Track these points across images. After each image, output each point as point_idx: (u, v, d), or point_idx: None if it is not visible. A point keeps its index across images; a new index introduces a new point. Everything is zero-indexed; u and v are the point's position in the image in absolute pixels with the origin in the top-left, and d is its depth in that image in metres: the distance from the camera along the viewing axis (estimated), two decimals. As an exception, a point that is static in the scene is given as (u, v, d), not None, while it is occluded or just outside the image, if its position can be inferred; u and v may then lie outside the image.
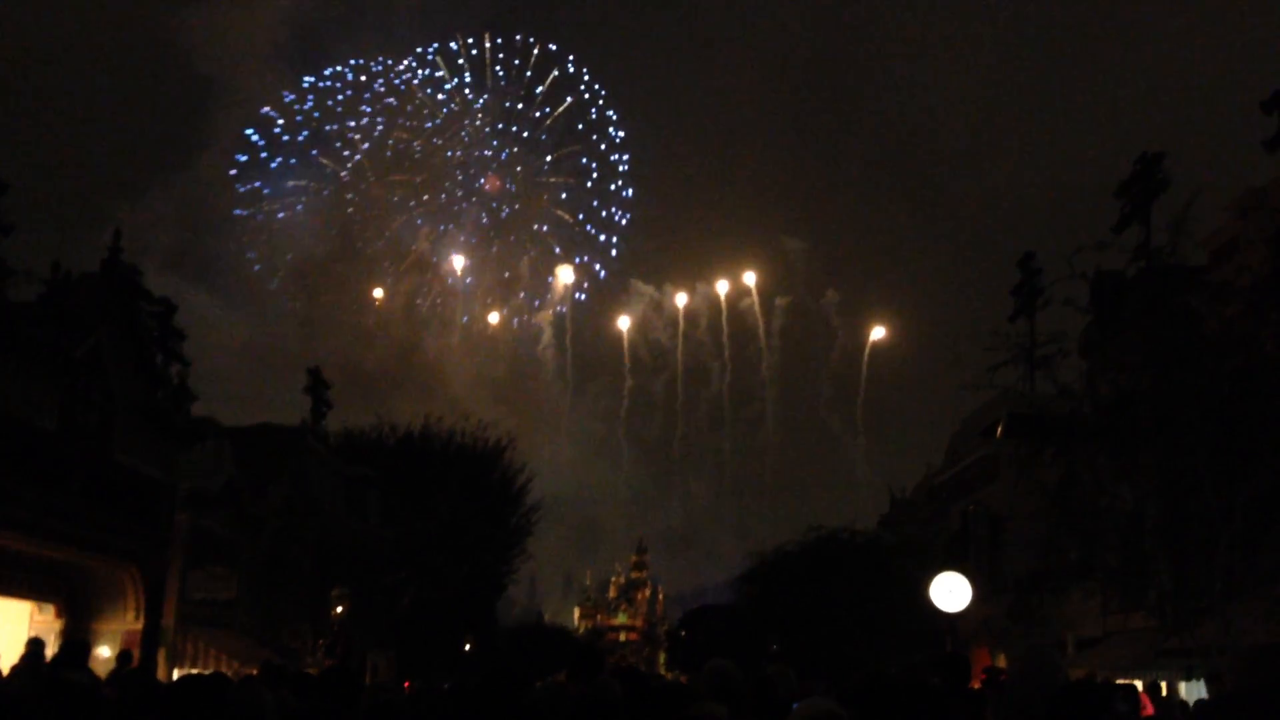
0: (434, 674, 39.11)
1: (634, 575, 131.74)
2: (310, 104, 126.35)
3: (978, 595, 21.62)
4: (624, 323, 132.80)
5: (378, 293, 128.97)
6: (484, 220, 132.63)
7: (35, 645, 15.40)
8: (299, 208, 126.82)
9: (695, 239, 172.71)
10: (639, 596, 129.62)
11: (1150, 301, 17.45)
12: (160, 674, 22.91)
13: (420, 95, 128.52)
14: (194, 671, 22.90)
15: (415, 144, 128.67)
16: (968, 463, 37.19)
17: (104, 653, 21.43)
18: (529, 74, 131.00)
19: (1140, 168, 22.26)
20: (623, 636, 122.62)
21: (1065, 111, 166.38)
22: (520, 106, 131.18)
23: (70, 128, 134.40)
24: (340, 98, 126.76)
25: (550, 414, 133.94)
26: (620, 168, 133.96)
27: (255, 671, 21.09)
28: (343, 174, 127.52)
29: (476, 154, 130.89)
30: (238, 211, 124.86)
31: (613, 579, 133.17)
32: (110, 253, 22.15)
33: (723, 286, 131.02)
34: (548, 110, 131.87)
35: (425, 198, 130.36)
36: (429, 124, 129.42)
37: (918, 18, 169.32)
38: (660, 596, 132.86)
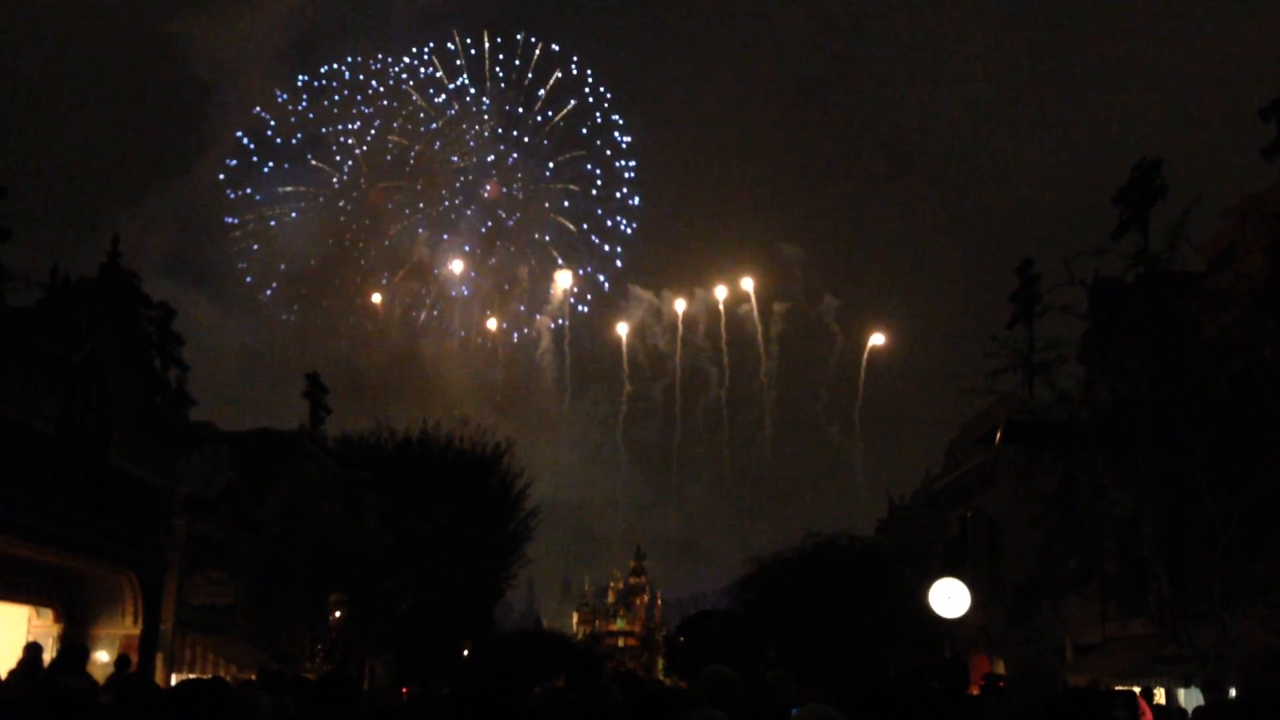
0: (432, 679, 39.08)
1: (632, 581, 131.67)
2: (305, 104, 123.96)
3: (976, 601, 21.63)
4: (623, 328, 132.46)
5: (376, 298, 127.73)
6: (484, 231, 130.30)
7: (33, 650, 15.39)
8: (294, 215, 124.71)
9: (694, 245, 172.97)
10: (637, 602, 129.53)
11: (1148, 308, 17.46)
12: (158, 679, 22.89)
13: (417, 97, 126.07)
14: (192, 676, 22.93)
15: (415, 148, 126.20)
16: (966, 469, 37.17)
17: (102, 657, 21.40)
18: (530, 76, 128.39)
19: (1138, 174, 22.30)
20: (621, 642, 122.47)
21: (1064, 118, 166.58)
22: (521, 111, 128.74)
23: (69, 134, 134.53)
24: (337, 98, 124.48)
25: (549, 419, 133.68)
26: (626, 174, 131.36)
27: (253, 676, 21.09)
28: (335, 181, 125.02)
29: (475, 160, 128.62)
30: (228, 219, 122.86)
31: (611, 584, 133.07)
32: (109, 257, 22.13)
33: (721, 292, 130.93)
34: (550, 114, 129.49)
35: (422, 205, 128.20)
36: (424, 128, 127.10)
37: (916, 26, 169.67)
38: (659, 602, 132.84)
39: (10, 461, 18.47)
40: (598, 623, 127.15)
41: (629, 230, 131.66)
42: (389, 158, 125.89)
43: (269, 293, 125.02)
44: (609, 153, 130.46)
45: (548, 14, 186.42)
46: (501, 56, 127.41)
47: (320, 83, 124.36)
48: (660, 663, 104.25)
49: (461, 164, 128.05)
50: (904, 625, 33.22)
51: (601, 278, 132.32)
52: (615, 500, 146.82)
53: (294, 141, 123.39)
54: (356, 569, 32.20)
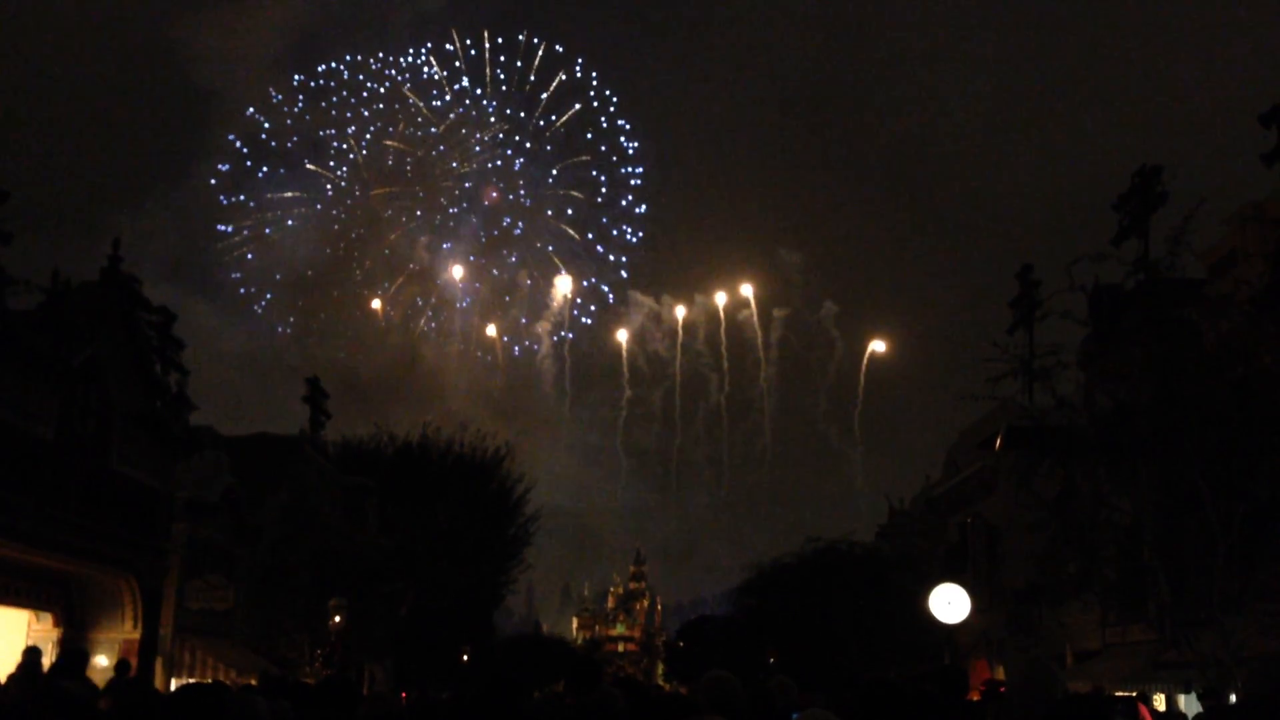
0: (432, 684, 39.07)
1: (632, 586, 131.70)
2: (301, 106, 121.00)
3: (976, 607, 21.61)
4: (622, 334, 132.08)
5: (375, 304, 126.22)
6: (483, 240, 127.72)
7: (31, 654, 15.38)
8: (290, 222, 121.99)
9: (694, 250, 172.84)
10: (637, 607, 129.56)
11: (1149, 314, 17.47)
12: (157, 683, 22.88)
13: (413, 100, 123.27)
14: (191, 681, 22.91)
15: (417, 153, 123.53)
16: (966, 474, 37.17)
17: (101, 662, 21.38)
18: (533, 79, 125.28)
19: (1139, 181, 22.30)
20: (621, 647, 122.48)
21: (1064, 125, 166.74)
22: (523, 114, 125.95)
23: (70, 138, 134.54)
24: (335, 99, 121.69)
25: (548, 424, 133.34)
26: (632, 182, 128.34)
27: (253, 681, 21.09)
28: (329, 188, 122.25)
29: (475, 166, 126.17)
30: (221, 227, 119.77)
31: (611, 589, 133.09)
32: (109, 262, 22.14)
33: (720, 298, 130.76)
34: (553, 118, 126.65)
35: (419, 214, 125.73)
36: (420, 132, 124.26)
37: (918, 32, 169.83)
38: (658, 607, 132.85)
39: (10, 466, 18.47)
40: (597, 628, 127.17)
41: (634, 239, 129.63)
42: (389, 161, 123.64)
43: (263, 304, 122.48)
44: (615, 158, 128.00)
45: (548, 15, 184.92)
46: (503, 58, 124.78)
47: (317, 82, 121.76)
48: (660, 668, 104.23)
49: (462, 169, 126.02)
50: (904, 631, 33.20)
51: (605, 288, 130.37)
52: (615, 505, 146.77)
53: (289, 145, 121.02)
54: (356, 574, 32.19)
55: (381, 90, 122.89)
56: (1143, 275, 18.37)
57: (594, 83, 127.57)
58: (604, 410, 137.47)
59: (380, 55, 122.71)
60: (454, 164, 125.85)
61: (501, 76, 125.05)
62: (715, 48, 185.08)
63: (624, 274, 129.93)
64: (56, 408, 19.93)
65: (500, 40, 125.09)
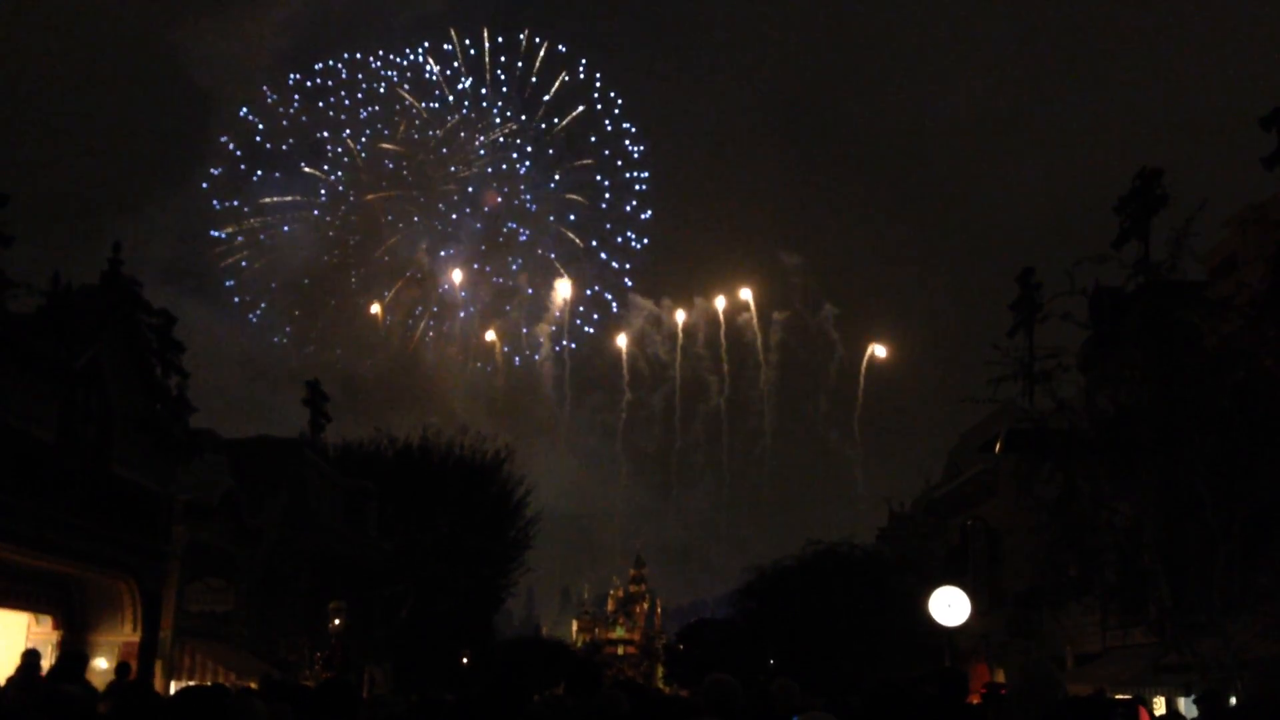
0: (432, 687, 39.03)
1: (632, 589, 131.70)
2: (296, 107, 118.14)
3: (976, 610, 21.60)
4: (622, 338, 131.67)
5: (374, 309, 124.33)
6: (483, 249, 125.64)
7: (30, 657, 15.36)
8: (286, 229, 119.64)
9: (694, 253, 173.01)
10: (637, 610, 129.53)
11: (1149, 317, 17.45)
12: (157, 686, 22.85)
13: (410, 101, 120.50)
14: (191, 684, 22.90)
15: (417, 156, 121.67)
16: (967, 477, 37.19)
17: (101, 664, 21.37)
18: (534, 80, 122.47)
19: (1139, 183, 22.28)
20: (620, 650, 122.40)
21: (1065, 127, 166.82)
22: (524, 117, 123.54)
23: (71, 141, 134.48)
24: (332, 99, 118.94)
25: (548, 427, 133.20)
26: (637, 187, 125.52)
27: (253, 684, 21.07)
28: (323, 193, 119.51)
29: (475, 170, 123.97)
30: (214, 233, 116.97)
31: (611, 592, 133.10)
32: (110, 265, 22.13)
33: (720, 301, 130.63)
34: (556, 121, 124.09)
35: (416, 220, 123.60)
36: (417, 135, 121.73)
37: (918, 35, 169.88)
38: (658, 610, 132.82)
39: (10, 468, 18.45)
40: (597, 631, 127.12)
41: (638, 246, 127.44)
42: (389, 165, 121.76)
43: (258, 313, 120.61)
44: (620, 163, 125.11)
45: (548, 15, 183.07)
46: (503, 58, 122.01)
47: (314, 80, 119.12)
48: (660, 671, 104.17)
49: (462, 173, 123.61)
50: (904, 633, 33.23)
51: (609, 296, 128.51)
52: (615, 508, 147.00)
53: (284, 148, 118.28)
54: (356, 577, 32.22)
55: (381, 90, 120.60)
56: (1143, 278, 18.35)
57: (597, 84, 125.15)
58: (604, 413, 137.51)
59: (380, 52, 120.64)
60: (453, 168, 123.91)
61: (502, 77, 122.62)
62: (714, 51, 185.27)
63: (628, 282, 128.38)
64: (57, 410, 19.92)
65: (501, 40, 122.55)
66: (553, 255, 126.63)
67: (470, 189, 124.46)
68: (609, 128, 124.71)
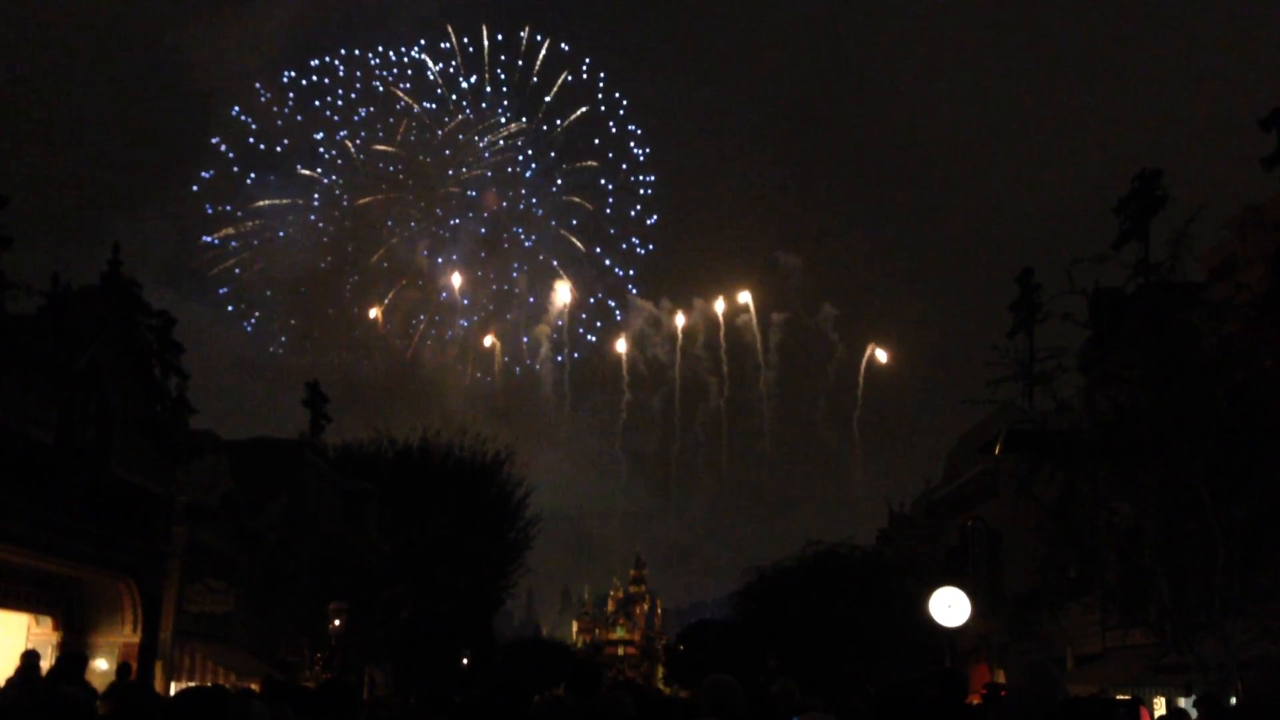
0: (433, 688, 38.99)
1: (632, 589, 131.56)
2: (291, 106, 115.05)
3: (976, 611, 21.59)
4: (622, 340, 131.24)
5: (373, 313, 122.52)
6: (483, 256, 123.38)
7: (30, 658, 15.37)
8: (281, 234, 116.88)
9: (693, 254, 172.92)
10: (637, 611, 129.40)
11: (1149, 318, 17.47)
12: (157, 687, 22.84)
13: (410, 101, 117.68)
14: (191, 685, 22.89)
15: (419, 157, 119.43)
16: (966, 478, 37.18)
17: (101, 665, 21.38)
18: (535, 79, 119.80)
19: (1139, 184, 22.28)
20: (621, 651, 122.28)
21: (1064, 128, 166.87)
22: (525, 118, 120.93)
23: (71, 142, 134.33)
24: (329, 97, 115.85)
25: (548, 428, 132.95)
26: (642, 191, 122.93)
27: (253, 685, 21.06)
28: (315, 197, 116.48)
29: (474, 172, 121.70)
30: (206, 238, 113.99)
31: (611, 593, 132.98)
32: (110, 266, 22.13)
33: (719, 302, 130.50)
34: (558, 122, 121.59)
35: (414, 225, 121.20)
36: (414, 137, 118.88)
37: (917, 35, 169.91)
38: (659, 611, 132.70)
39: (10, 470, 18.45)
40: (597, 631, 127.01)
41: (643, 252, 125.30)
42: (389, 167, 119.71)
43: (253, 321, 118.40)
44: (624, 166, 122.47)
45: (547, 13, 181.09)
46: (504, 57, 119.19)
47: (310, 78, 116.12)
48: (660, 672, 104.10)
49: (461, 175, 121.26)
50: (904, 634, 33.20)
51: (612, 304, 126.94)
52: (615, 509, 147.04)
53: (278, 149, 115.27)
54: (356, 578, 32.20)
55: (379, 90, 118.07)
56: (1143, 279, 18.37)
57: (600, 84, 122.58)
58: (604, 414, 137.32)
59: (379, 48, 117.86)
60: (451, 171, 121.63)
61: (503, 77, 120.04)
62: (713, 51, 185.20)
63: (632, 289, 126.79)
64: (56, 412, 19.92)
65: (500, 38, 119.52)
66: (555, 263, 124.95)
67: (470, 192, 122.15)
68: (613, 130, 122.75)
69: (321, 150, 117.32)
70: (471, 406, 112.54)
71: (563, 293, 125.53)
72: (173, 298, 66.80)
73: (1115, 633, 24.12)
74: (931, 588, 20.45)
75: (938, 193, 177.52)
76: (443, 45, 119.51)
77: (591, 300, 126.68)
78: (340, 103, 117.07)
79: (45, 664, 15.70)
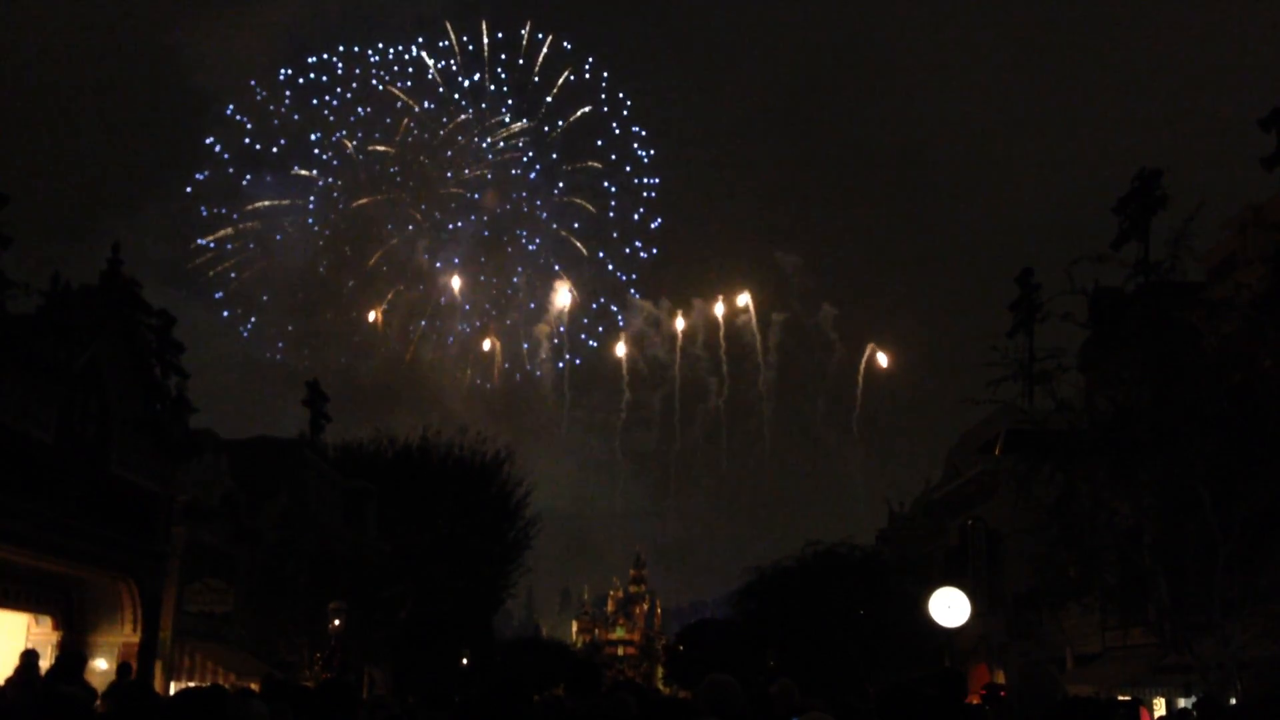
0: (433, 688, 38.97)
1: (632, 589, 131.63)
2: (287, 106, 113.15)
3: (976, 611, 21.61)
4: (621, 342, 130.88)
5: (371, 316, 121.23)
6: (483, 260, 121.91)
7: (29, 658, 15.36)
8: (278, 237, 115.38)
9: (693, 254, 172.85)
10: (637, 610, 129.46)
11: (1149, 318, 17.45)
12: (157, 687, 22.83)
13: (410, 101, 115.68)
14: (191, 684, 22.90)
15: (420, 158, 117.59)
16: (966, 478, 37.16)
17: (101, 665, 21.38)
18: (536, 78, 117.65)
19: (1139, 184, 22.28)
20: (620, 651, 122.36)
21: (1064, 127, 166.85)
22: (525, 119, 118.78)
23: (71, 142, 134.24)
24: (327, 96, 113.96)
25: (547, 428, 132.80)
26: (645, 194, 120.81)
27: (253, 685, 21.06)
28: (311, 200, 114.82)
29: (474, 174, 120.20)
30: (201, 241, 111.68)
31: (610, 593, 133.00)
32: (109, 265, 22.13)
33: (719, 302, 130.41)
34: (560, 123, 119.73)
35: (411, 228, 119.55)
36: (411, 138, 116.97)
37: (917, 34, 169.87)
38: (658, 610, 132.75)
39: (10, 469, 18.46)
40: (597, 631, 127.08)
41: (646, 256, 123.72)
42: (388, 168, 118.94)
43: (250, 326, 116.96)
44: (628, 168, 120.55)
45: (547, 10, 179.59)
46: (504, 55, 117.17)
47: (307, 77, 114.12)
48: (660, 672, 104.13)
49: (460, 176, 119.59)
50: (904, 634, 33.20)
51: (615, 308, 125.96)
52: (615, 509, 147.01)
53: (274, 150, 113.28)
54: (356, 577, 32.17)
55: (378, 89, 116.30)
56: (1143, 278, 18.35)
57: (604, 84, 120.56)
58: (603, 414, 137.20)
59: (379, 45, 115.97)
60: (450, 173, 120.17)
61: (503, 75, 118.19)
62: (712, 51, 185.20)
63: (634, 293, 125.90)
64: (56, 411, 19.91)
65: (501, 35, 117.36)
66: (556, 267, 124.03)
67: (469, 194, 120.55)
68: (616, 130, 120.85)
69: (318, 151, 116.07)
70: (471, 408, 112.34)
71: (563, 296, 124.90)
72: (172, 298, 66.70)
73: (1115, 633, 24.13)
74: (931, 588, 20.46)
75: (938, 193, 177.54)
76: (441, 44, 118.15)
77: (594, 306, 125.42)
78: (336, 102, 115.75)
79: (45, 663, 15.69)
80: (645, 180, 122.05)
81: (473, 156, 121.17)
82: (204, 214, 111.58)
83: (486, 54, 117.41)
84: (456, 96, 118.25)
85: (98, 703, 11.80)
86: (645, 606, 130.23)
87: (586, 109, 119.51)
